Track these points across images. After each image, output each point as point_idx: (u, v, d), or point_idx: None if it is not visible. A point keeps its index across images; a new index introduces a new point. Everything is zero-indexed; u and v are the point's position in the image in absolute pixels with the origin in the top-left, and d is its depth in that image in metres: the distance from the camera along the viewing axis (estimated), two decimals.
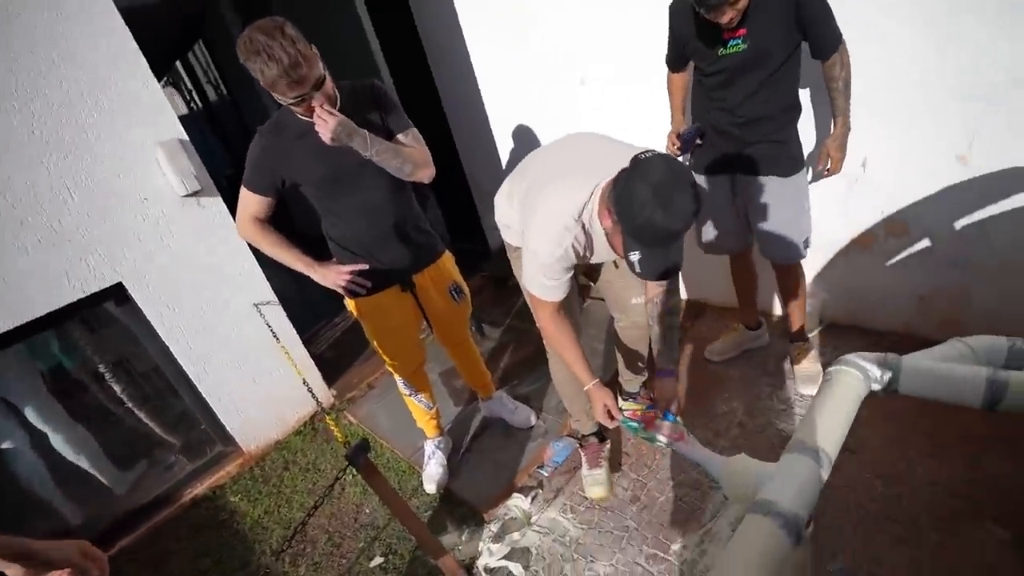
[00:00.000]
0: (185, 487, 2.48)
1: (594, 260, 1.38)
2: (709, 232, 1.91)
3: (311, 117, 1.38)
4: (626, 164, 1.07)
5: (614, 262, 1.60)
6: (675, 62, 1.75)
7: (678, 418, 1.39)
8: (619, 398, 2.05)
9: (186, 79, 6.49)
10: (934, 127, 1.63)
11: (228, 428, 2.49)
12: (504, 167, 2.98)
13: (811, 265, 2.09)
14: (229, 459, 2.57)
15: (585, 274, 1.73)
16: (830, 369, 1.33)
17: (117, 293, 2.11)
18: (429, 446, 2.08)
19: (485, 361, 2.62)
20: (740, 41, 1.49)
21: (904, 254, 1.92)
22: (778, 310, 2.35)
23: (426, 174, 1.58)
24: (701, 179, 1.80)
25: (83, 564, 0.79)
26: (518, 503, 1.83)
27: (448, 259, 1.82)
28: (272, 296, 2.52)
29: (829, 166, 1.63)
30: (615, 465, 1.86)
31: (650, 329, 1.56)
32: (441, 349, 2.10)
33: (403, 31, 3.03)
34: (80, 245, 1.99)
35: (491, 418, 2.26)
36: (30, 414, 2.19)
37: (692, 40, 1.57)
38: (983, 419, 1.68)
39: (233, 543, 2.13)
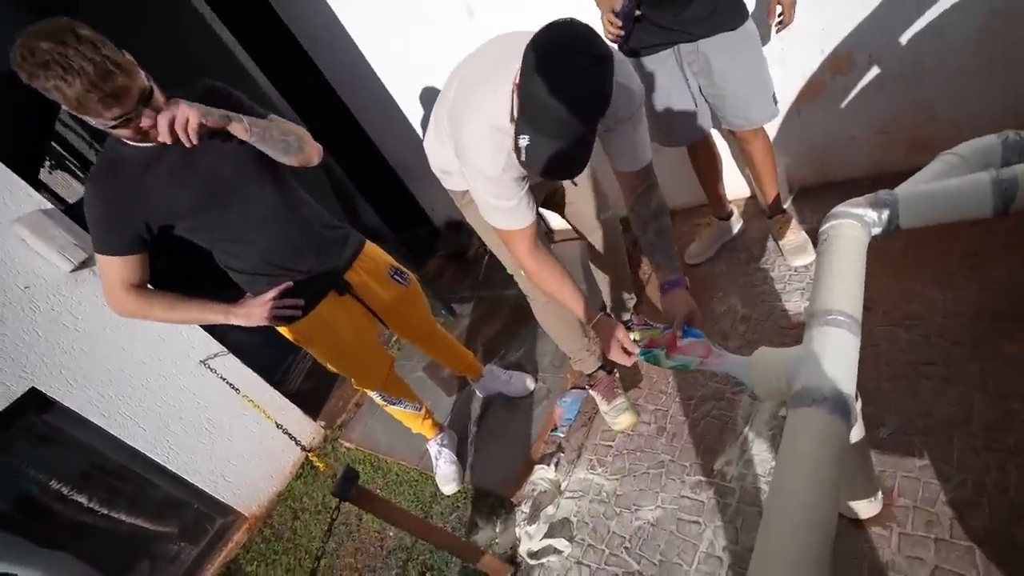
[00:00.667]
0: (197, 572, 2.27)
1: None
2: (666, 120, 1.71)
3: (149, 139, 1.13)
4: None
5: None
6: None
7: (702, 332, 1.20)
8: None
9: (69, 158, 5.91)
10: None
11: (220, 498, 2.28)
12: (423, 137, 2.73)
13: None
14: (234, 528, 2.37)
15: (547, 204, 1.54)
16: (824, 228, 1.18)
17: (34, 400, 1.84)
18: (433, 447, 1.91)
19: (464, 341, 2.47)
20: None
21: (856, 90, 1.78)
22: (744, 191, 2.22)
23: (315, 150, 1.38)
24: (645, 61, 1.59)
25: None
26: (542, 475, 1.68)
27: (374, 247, 1.60)
28: (218, 347, 2.27)
29: (781, 17, 1.47)
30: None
31: (641, 238, 1.37)
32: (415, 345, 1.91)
33: (267, 25, 2.69)
34: None
35: (489, 396, 2.10)
36: None
37: None
38: (982, 232, 1.59)
39: None
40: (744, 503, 1.29)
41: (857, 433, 1.06)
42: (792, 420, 0.86)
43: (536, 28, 0.92)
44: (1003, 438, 1.11)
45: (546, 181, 1.29)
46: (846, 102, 1.82)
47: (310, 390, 2.88)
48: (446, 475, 1.85)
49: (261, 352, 2.58)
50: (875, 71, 1.72)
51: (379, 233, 2.51)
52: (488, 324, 2.53)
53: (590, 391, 1.72)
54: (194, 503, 2.29)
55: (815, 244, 1.80)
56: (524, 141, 0.89)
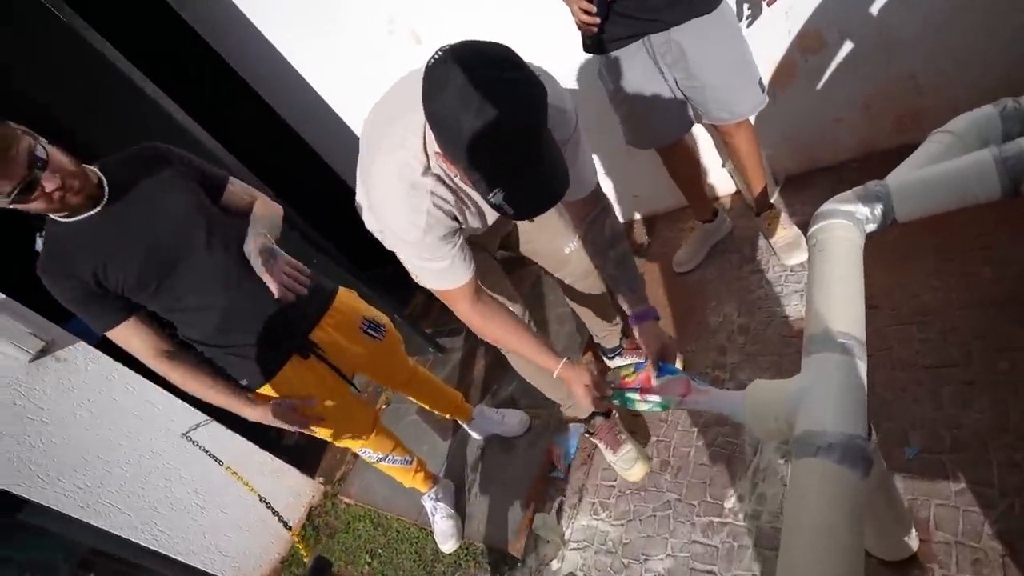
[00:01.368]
0: None
1: (493, 220, 1.08)
2: (639, 120, 1.55)
3: (74, 209, 1.08)
4: None
5: None
6: None
7: (679, 367, 1.08)
8: (605, 359, 1.77)
9: None
10: None
11: (219, 575, 2.17)
12: None
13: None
14: None
15: (503, 246, 1.42)
16: (812, 231, 1.04)
17: (7, 501, 1.74)
18: (428, 502, 1.79)
19: (455, 375, 2.35)
20: None
21: (832, 68, 1.65)
22: (728, 187, 2.09)
23: (280, 215, 1.37)
24: (612, 56, 1.42)
25: None
26: (544, 523, 1.55)
27: (348, 294, 1.49)
28: (201, 416, 2.17)
29: None
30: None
31: (602, 271, 1.27)
32: None
33: (192, 55, 2.54)
34: None
35: (484, 437, 1.97)
36: None
37: None
38: (987, 207, 1.46)
39: None
40: (761, 546, 1.16)
41: (877, 465, 0.93)
42: (797, 473, 0.73)
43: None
44: None
45: (498, 224, 1.17)
46: (822, 82, 1.69)
47: (307, 444, 2.76)
48: (444, 532, 1.73)
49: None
50: (848, 46, 1.59)
51: (352, 273, 2.39)
52: (479, 356, 2.41)
53: (592, 439, 1.56)
54: None
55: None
56: (498, 197, 0.75)
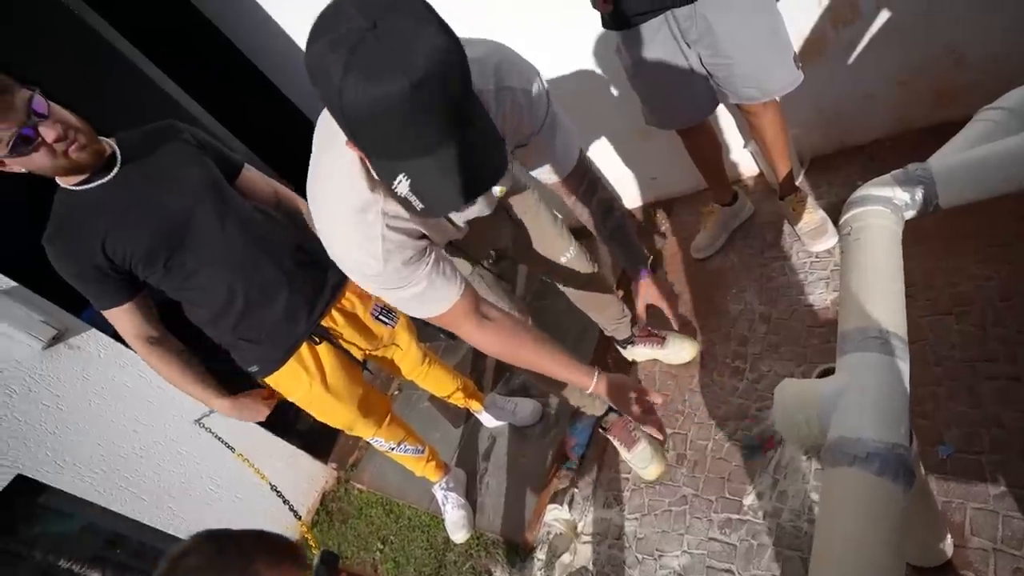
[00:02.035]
0: None
1: (466, 219, 0.99)
2: (660, 100, 1.45)
3: (82, 170, 1.07)
4: None
5: (507, 214, 1.23)
6: None
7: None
8: (620, 350, 1.71)
9: None
10: None
11: None
12: None
13: None
14: None
15: (498, 256, 1.31)
16: (845, 218, 0.96)
17: (24, 487, 1.77)
18: (439, 492, 1.77)
19: (468, 363, 2.32)
20: None
21: (865, 40, 1.55)
22: (750, 169, 2.00)
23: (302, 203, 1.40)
24: (631, 33, 1.31)
25: None
26: (557, 515, 1.53)
27: None
28: None
29: None
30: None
31: (600, 241, 1.20)
32: None
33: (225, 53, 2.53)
34: None
35: (496, 427, 1.94)
36: None
37: None
38: None
39: None
40: (782, 545, 1.11)
41: (919, 484, 0.87)
42: (830, 482, 0.68)
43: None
44: None
45: (482, 228, 1.09)
46: (854, 56, 1.59)
47: (320, 429, 2.77)
48: (455, 522, 1.71)
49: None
50: (884, 16, 1.48)
51: None
52: None
53: (606, 435, 1.52)
54: None
55: (835, 223, 1.58)
56: (403, 185, 0.59)
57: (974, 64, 1.48)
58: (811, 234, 1.59)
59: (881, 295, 0.82)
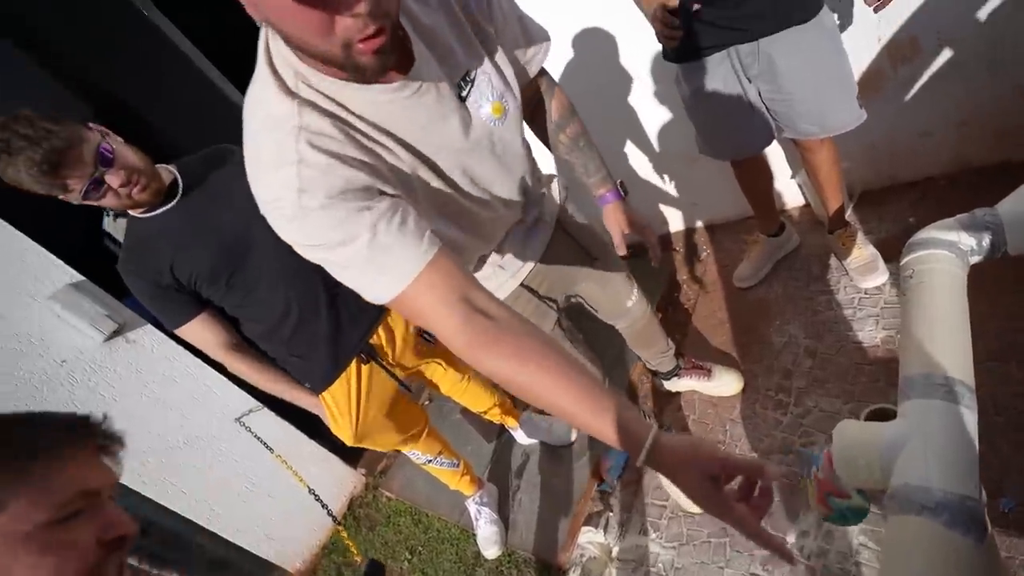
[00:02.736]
0: None
1: (425, 147, 0.71)
2: (718, 132, 1.47)
3: (149, 205, 1.13)
4: None
5: (585, 253, 1.16)
6: None
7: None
8: (662, 385, 1.70)
9: None
10: None
11: (265, 557, 2.24)
12: None
13: None
14: None
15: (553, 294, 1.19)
16: (907, 260, 0.96)
17: None
18: (472, 506, 1.79)
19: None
20: None
21: (924, 79, 1.54)
22: (797, 200, 1.99)
23: None
24: (693, 66, 1.34)
25: None
26: (591, 538, 1.53)
27: None
28: (254, 402, 2.24)
29: None
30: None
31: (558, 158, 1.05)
32: None
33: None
34: None
35: (529, 444, 1.96)
36: None
37: None
38: None
39: None
40: None
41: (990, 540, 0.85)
42: (896, 531, 0.67)
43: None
44: None
45: (563, 260, 1.07)
46: (912, 93, 1.58)
47: None
48: (487, 537, 1.72)
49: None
50: (947, 54, 1.48)
51: None
52: None
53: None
54: (241, 563, 2.26)
55: (885, 259, 1.57)
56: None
57: None
58: (860, 270, 1.57)
59: (947, 342, 0.81)
